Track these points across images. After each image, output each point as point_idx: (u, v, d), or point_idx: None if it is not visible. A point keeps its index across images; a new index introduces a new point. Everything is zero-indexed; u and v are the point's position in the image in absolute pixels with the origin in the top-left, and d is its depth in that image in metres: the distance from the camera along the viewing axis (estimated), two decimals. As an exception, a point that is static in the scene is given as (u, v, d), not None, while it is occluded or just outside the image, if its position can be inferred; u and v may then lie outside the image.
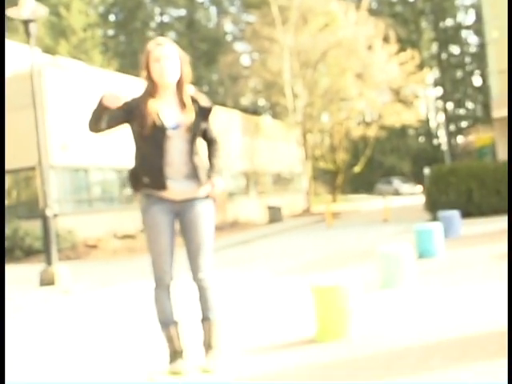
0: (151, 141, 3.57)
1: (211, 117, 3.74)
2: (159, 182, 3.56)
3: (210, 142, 3.78)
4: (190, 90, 3.69)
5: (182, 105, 3.64)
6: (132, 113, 3.60)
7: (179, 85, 3.65)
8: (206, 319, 3.58)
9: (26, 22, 11.45)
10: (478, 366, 4.02)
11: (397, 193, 49.89)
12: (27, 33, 11.46)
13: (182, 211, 3.60)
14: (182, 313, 3.69)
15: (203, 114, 3.69)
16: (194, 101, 3.68)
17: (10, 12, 11.63)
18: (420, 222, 14.87)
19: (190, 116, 3.61)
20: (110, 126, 3.59)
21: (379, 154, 58.00)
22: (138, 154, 3.63)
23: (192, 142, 3.62)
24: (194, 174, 3.59)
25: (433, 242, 9.72)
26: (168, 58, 3.59)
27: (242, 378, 4.18)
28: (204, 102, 3.69)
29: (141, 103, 3.61)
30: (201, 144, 3.74)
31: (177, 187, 3.58)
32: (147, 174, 3.58)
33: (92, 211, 20.59)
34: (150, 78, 3.66)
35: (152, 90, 3.65)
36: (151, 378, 3.26)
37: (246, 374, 4.45)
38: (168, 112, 3.61)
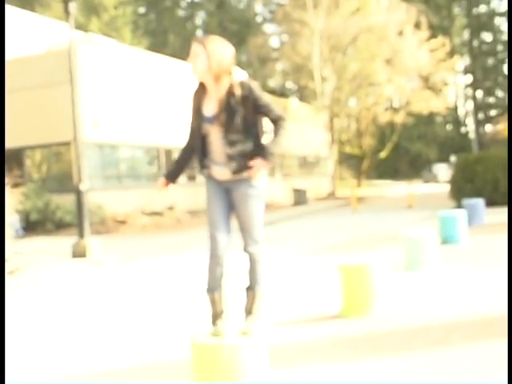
0: (196, 130, 3.91)
1: (259, 102, 3.88)
2: (201, 165, 3.93)
3: (273, 121, 3.98)
4: (236, 77, 3.89)
5: (218, 98, 3.86)
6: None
7: (214, 79, 3.85)
8: (251, 288, 3.86)
9: (65, 2, 11.75)
10: (494, 346, 4.25)
11: (435, 179, 49.64)
12: (67, 12, 11.76)
13: (230, 190, 3.91)
14: (229, 280, 3.98)
15: (236, 105, 3.84)
16: (231, 93, 3.83)
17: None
18: (445, 209, 15.01)
19: (222, 110, 3.81)
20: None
21: (406, 141, 57.85)
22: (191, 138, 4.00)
23: (225, 133, 3.84)
24: (228, 162, 3.86)
25: (456, 229, 9.91)
26: (194, 55, 3.83)
27: (272, 347, 4.46)
28: (239, 92, 3.80)
29: (193, 96, 3.93)
30: (247, 131, 3.93)
31: (218, 169, 3.88)
32: (197, 158, 3.98)
33: (120, 187, 20.97)
34: None
35: (200, 84, 3.92)
36: (193, 339, 3.54)
37: (275, 343, 4.74)
38: (208, 105, 3.87)
